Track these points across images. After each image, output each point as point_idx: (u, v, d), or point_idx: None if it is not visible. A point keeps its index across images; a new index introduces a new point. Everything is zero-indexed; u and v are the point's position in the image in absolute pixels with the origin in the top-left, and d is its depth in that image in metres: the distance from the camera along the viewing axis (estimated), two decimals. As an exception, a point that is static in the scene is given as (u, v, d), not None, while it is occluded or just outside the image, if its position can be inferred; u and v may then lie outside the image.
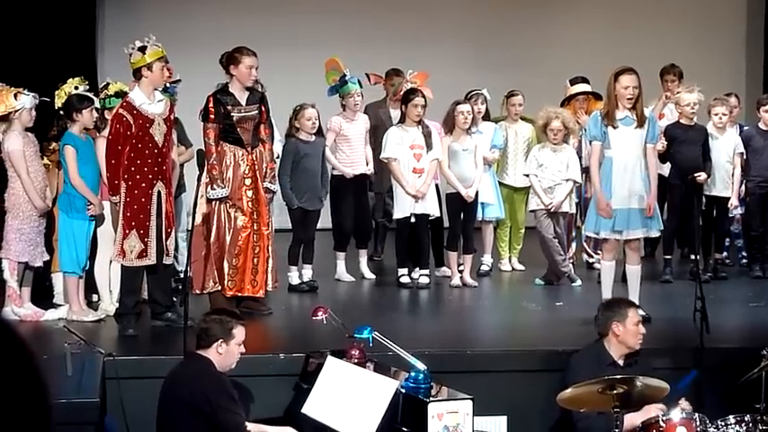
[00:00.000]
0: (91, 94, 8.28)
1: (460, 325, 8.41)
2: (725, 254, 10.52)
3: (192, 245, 7.48)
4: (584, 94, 10.46)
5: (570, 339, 7.54)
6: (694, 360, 6.98)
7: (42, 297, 8.43)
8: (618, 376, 5.79)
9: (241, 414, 5.75)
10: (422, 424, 5.60)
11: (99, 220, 8.18)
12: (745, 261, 10.56)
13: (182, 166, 9.36)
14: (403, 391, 5.77)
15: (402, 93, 9.90)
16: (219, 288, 8.18)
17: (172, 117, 7.91)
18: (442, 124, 9.71)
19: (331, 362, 6.26)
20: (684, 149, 9.71)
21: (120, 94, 8.22)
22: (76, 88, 8.21)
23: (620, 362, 6.36)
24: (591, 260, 10.25)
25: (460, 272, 9.68)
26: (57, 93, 8.24)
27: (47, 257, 8.24)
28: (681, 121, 9.86)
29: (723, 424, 5.77)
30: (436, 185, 9.81)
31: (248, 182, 8.19)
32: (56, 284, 8.54)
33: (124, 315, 7.65)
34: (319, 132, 9.52)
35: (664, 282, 9.74)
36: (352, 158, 9.86)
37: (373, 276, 10.05)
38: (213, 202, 8.13)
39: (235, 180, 8.16)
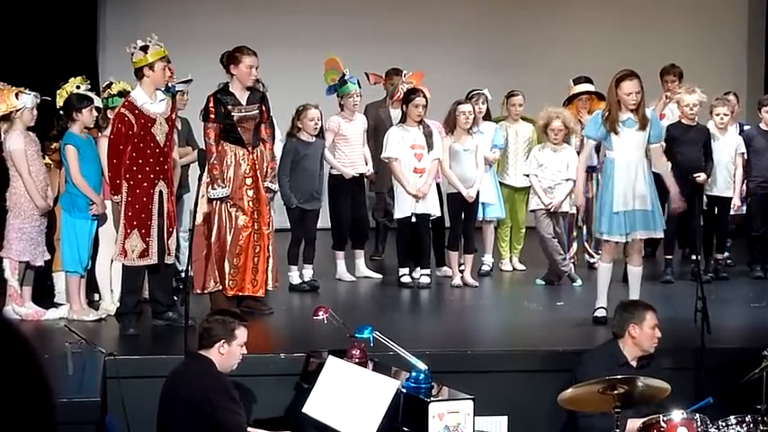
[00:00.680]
0: (92, 94, 8.28)
1: (461, 325, 8.41)
2: (726, 254, 10.51)
3: (192, 244, 7.48)
4: (586, 93, 10.45)
5: (571, 339, 7.55)
6: (695, 360, 6.98)
7: (43, 296, 8.43)
8: (619, 376, 5.79)
9: (241, 414, 5.74)
10: (422, 424, 5.59)
11: (101, 219, 8.18)
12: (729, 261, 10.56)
13: (186, 166, 9.38)
14: (404, 390, 5.77)
15: (402, 93, 9.89)
16: (220, 288, 8.18)
17: (173, 117, 7.90)
18: (443, 124, 9.71)
19: (332, 361, 6.26)
20: (685, 150, 9.71)
21: (123, 94, 8.21)
22: (78, 87, 8.21)
23: (634, 363, 6.35)
24: (592, 260, 10.25)
25: (461, 272, 9.68)
26: (58, 92, 8.25)
27: (48, 257, 8.24)
28: (682, 121, 9.85)
29: (724, 424, 5.76)
30: (437, 185, 9.81)
31: (249, 181, 8.19)
32: (57, 284, 8.54)
33: (125, 314, 7.65)
34: (320, 134, 9.52)
35: (665, 282, 9.74)
36: (350, 158, 9.86)
37: (373, 275, 10.05)
38: (214, 202, 8.13)
39: (235, 180, 8.15)
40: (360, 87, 9.93)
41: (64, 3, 12.31)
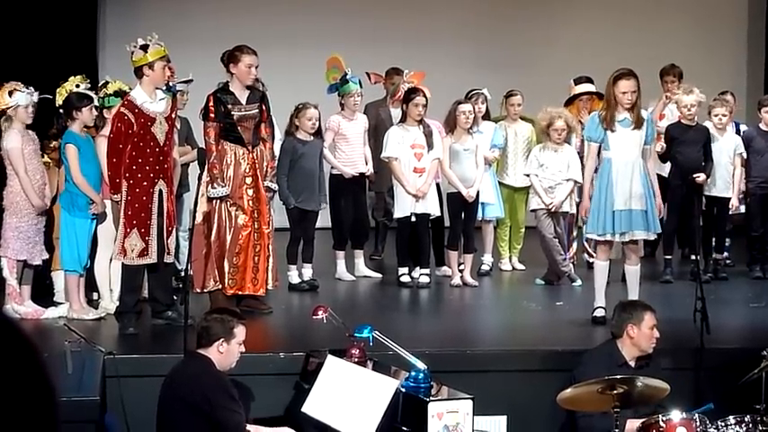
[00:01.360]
0: (91, 93, 8.28)
1: (461, 324, 8.41)
2: (725, 254, 10.52)
3: (192, 243, 7.48)
4: (587, 94, 10.46)
5: (570, 339, 7.56)
6: (694, 360, 6.98)
7: (43, 295, 8.43)
8: (618, 376, 5.79)
9: (241, 413, 5.74)
10: (422, 423, 5.59)
11: (100, 218, 8.19)
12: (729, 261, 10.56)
13: (186, 165, 9.38)
14: (403, 390, 5.77)
15: (402, 92, 9.89)
16: (220, 287, 8.18)
17: (173, 116, 7.91)
18: (443, 124, 9.71)
19: (331, 361, 6.26)
20: (685, 150, 9.71)
21: (119, 93, 8.22)
22: (78, 86, 8.21)
23: (632, 363, 6.35)
24: (591, 260, 10.24)
25: (461, 271, 9.68)
26: (58, 90, 8.25)
27: (46, 256, 8.24)
28: (681, 121, 9.86)
29: (723, 424, 5.76)
30: (437, 185, 9.81)
31: (249, 181, 8.19)
32: (56, 283, 8.54)
33: (125, 313, 7.65)
34: (318, 133, 9.51)
35: (664, 282, 9.74)
36: (351, 158, 9.86)
37: (372, 275, 10.06)
38: (214, 201, 8.13)
39: (235, 179, 8.15)
40: (361, 87, 9.93)
41: (64, 2, 12.31)
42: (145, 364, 6.79)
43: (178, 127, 8.72)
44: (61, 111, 8.18)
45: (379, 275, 10.09)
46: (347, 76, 9.82)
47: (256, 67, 8.26)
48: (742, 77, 14.11)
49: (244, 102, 8.24)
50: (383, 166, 9.86)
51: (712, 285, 9.36)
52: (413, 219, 9.50)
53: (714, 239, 10.22)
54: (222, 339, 5.78)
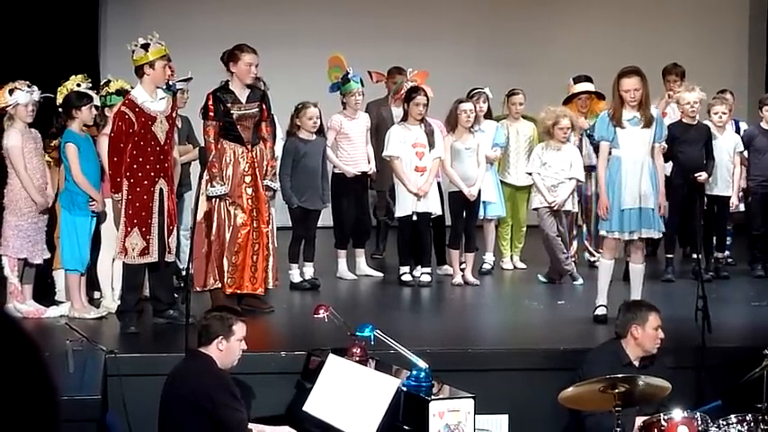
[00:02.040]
0: (92, 92, 8.28)
1: (462, 323, 8.41)
2: (726, 253, 10.52)
3: (193, 242, 7.48)
4: (587, 93, 10.46)
5: (572, 338, 7.55)
6: (696, 359, 6.98)
7: (44, 294, 8.43)
8: (619, 375, 5.79)
9: (243, 411, 5.75)
10: (423, 422, 5.60)
11: (101, 216, 8.19)
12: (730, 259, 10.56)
13: (187, 164, 9.39)
14: (404, 389, 5.77)
15: (404, 91, 9.90)
16: (220, 285, 8.18)
17: (174, 115, 7.91)
18: (445, 123, 9.71)
19: (332, 360, 6.26)
20: (686, 149, 9.70)
21: (121, 92, 8.22)
22: (79, 85, 8.21)
23: (636, 363, 6.34)
24: (593, 259, 10.25)
25: (462, 270, 9.67)
26: (59, 89, 8.25)
27: (47, 255, 8.23)
28: (683, 120, 9.85)
29: (725, 423, 5.75)
30: (438, 184, 9.81)
31: (248, 179, 8.18)
32: (57, 282, 8.54)
33: (126, 312, 7.65)
34: (320, 131, 9.51)
35: (665, 281, 9.74)
36: (353, 157, 9.86)
37: (374, 274, 10.06)
38: (213, 200, 8.13)
39: (234, 178, 8.15)
40: (363, 86, 9.93)
41: (65, 1, 12.31)
42: (146, 363, 6.79)
43: (179, 126, 8.73)
44: (60, 110, 8.18)
45: (381, 274, 10.08)
46: (348, 75, 9.82)
47: (256, 66, 8.25)
48: (743, 76, 14.10)
49: (243, 101, 8.23)
50: (385, 165, 9.86)
51: (714, 284, 9.36)
52: (414, 218, 9.50)
53: (715, 238, 10.21)
54: (221, 337, 5.78)
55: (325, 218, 9.93)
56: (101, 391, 6.25)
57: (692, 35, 13.89)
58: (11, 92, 7.99)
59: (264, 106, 8.36)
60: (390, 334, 6.32)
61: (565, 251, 9.72)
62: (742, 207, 10.41)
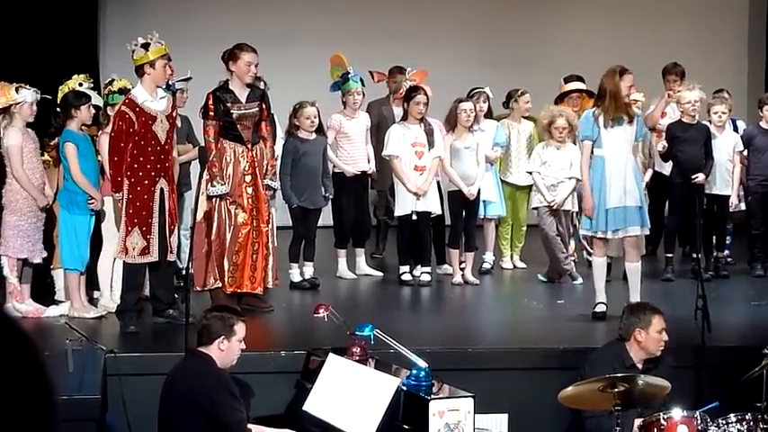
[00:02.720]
0: (93, 92, 8.28)
1: (462, 323, 8.41)
2: (726, 252, 10.52)
3: (193, 242, 7.48)
4: (578, 91, 10.47)
5: (572, 337, 7.56)
6: (695, 358, 6.98)
7: (44, 294, 8.43)
8: (619, 374, 5.78)
9: (242, 411, 5.74)
10: (423, 422, 5.60)
11: (99, 215, 8.19)
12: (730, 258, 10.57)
13: (187, 163, 9.39)
14: (404, 388, 5.77)
15: (404, 91, 9.90)
16: (220, 285, 8.18)
17: (174, 114, 7.91)
18: (444, 122, 9.71)
19: (332, 359, 6.27)
20: (686, 148, 9.70)
21: (124, 91, 8.22)
22: (80, 85, 8.21)
23: (640, 365, 6.33)
24: (591, 258, 10.24)
25: (462, 269, 9.67)
26: (60, 88, 8.25)
27: (45, 254, 8.23)
28: (682, 119, 9.85)
29: (724, 422, 5.75)
30: (438, 183, 9.81)
31: (248, 179, 8.18)
32: (57, 281, 8.54)
33: (126, 312, 7.65)
34: (319, 130, 9.51)
35: (665, 280, 9.74)
36: (353, 156, 9.86)
37: (373, 273, 10.06)
38: (213, 199, 8.13)
39: (235, 177, 8.15)
40: (363, 85, 9.93)
41: (65, 1, 12.31)
42: (146, 363, 6.79)
43: (179, 125, 8.73)
44: (59, 109, 8.18)
45: (381, 274, 10.09)
46: (348, 75, 9.82)
47: (256, 65, 8.25)
48: (743, 76, 14.10)
49: (243, 100, 8.23)
50: (385, 165, 9.86)
51: (713, 283, 9.36)
52: (414, 217, 9.50)
53: (715, 237, 10.22)
54: (222, 337, 5.78)
55: (326, 217, 9.93)
56: (100, 390, 6.24)
57: (691, 34, 13.89)
58: (17, 90, 8.00)
59: (264, 106, 8.36)
60: (390, 333, 6.32)
61: (564, 251, 9.72)
62: (743, 206, 10.41)
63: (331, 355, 6.31)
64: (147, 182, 7.56)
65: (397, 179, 9.60)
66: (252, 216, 8.19)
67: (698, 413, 5.79)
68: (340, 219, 9.95)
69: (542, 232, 9.73)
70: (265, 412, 6.44)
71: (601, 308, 8.01)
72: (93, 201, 8.03)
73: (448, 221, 9.92)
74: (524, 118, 10.50)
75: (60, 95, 8.22)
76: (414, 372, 5.85)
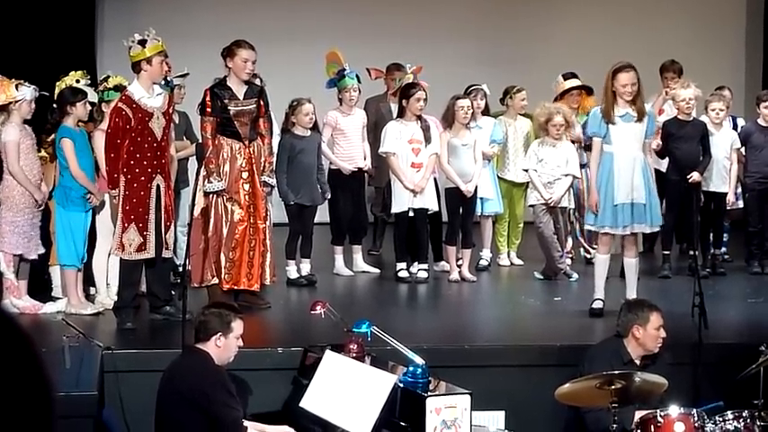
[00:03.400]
0: (89, 89, 8.28)
1: (459, 320, 8.41)
2: (723, 249, 10.53)
3: (190, 238, 7.48)
4: (578, 88, 10.46)
5: (569, 334, 7.56)
6: (692, 355, 6.98)
7: (40, 290, 8.42)
8: (616, 371, 5.78)
9: (239, 409, 5.74)
10: (420, 418, 5.60)
11: (98, 211, 8.18)
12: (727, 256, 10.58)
13: (185, 159, 9.39)
14: (401, 385, 5.77)
15: (401, 87, 9.89)
16: (217, 281, 8.18)
17: (171, 111, 7.90)
18: (442, 119, 9.71)
19: (329, 356, 6.27)
20: (682, 145, 9.70)
21: (119, 88, 8.21)
22: (77, 82, 8.21)
23: (638, 362, 6.33)
24: (588, 255, 10.26)
25: (459, 266, 9.67)
26: (57, 85, 8.24)
27: (42, 250, 8.22)
28: (678, 116, 9.85)
29: (721, 419, 5.75)
30: (435, 180, 9.80)
31: (245, 175, 8.18)
32: (54, 278, 8.54)
33: (122, 308, 7.65)
34: (315, 127, 9.50)
35: (662, 277, 9.74)
36: (349, 153, 9.86)
37: (370, 270, 10.05)
38: (210, 196, 8.12)
39: (232, 173, 8.14)
40: (359, 82, 9.92)
41: (62, -2, 12.31)
42: (143, 359, 6.78)
43: (176, 122, 8.72)
44: (55, 105, 8.18)
45: (378, 271, 10.08)
46: (344, 71, 9.81)
47: (253, 62, 8.24)
48: (740, 73, 14.10)
49: (241, 96, 8.23)
50: (382, 162, 9.86)
51: (710, 281, 9.37)
52: (411, 214, 9.50)
53: (712, 235, 10.22)
54: (220, 334, 5.78)
55: (322, 214, 9.93)
56: (97, 387, 6.24)
57: (689, 32, 13.89)
58: (17, 87, 7.99)
59: (262, 102, 8.35)
60: (387, 330, 6.32)
61: (559, 249, 9.72)
62: (740, 204, 10.41)
63: (328, 352, 6.31)
64: (143, 178, 7.55)
65: (393, 176, 9.60)
66: (249, 213, 8.18)
67: (695, 410, 5.79)
68: (337, 216, 9.95)
69: (538, 230, 9.73)
70: (262, 409, 6.44)
71: (598, 304, 8.02)
72: (91, 196, 8.03)
73: (445, 218, 9.91)
74: (521, 115, 10.49)
75: (57, 92, 8.21)
76: (411, 369, 5.85)
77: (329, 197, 9.64)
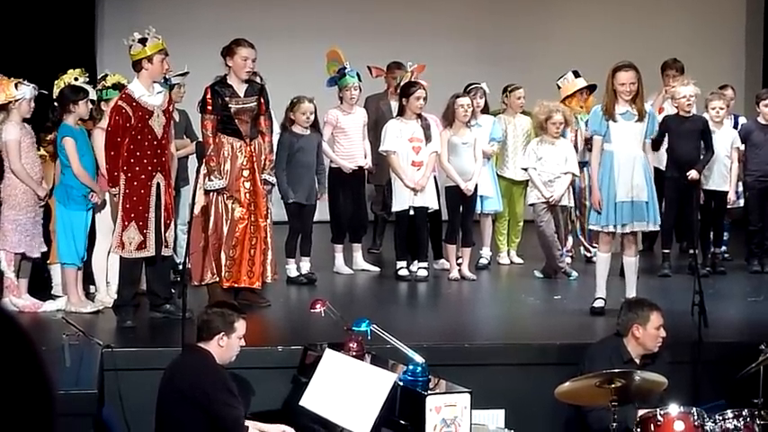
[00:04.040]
0: (89, 86, 8.27)
1: (459, 318, 8.41)
2: (723, 248, 10.52)
3: (190, 236, 7.48)
4: (589, 88, 10.43)
5: (569, 333, 7.56)
6: (692, 354, 6.98)
7: (41, 289, 8.42)
8: (616, 370, 5.78)
9: (239, 408, 5.74)
10: (420, 417, 5.60)
11: (98, 208, 8.18)
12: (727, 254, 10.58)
13: (185, 158, 9.38)
14: (401, 383, 5.77)
15: (401, 85, 9.89)
16: (217, 280, 8.18)
17: (171, 109, 7.90)
18: (442, 118, 9.70)
19: (329, 354, 6.26)
20: (681, 142, 9.68)
21: (118, 86, 8.21)
22: (76, 80, 8.20)
23: (638, 360, 6.32)
24: (589, 254, 10.26)
25: (459, 265, 9.67)
26: (56, 83, 8.23)
27: (44, 249, 8.23)
28: (678, 113, 9.82)
29: (721, 418, 5.75)
30: (434, 178, 9.80)
31: (246, 173, 8.18)
32: (54, 276, 8.54)
33: (122, 306, 7.65)
34: (314, 126, 9.49)
35: (662, 276, 9.74)
36: (350, 152, 9.85)
37: (370, 268, 10.05)
38: (211, 194, 8.12)
39: (232, 172, 8.14)
40: (360, 81, 9.91)
41: (62, -5, 12.31)
42: (143, 358, 6.78)
43: (176, 120, 8.72)
44: (56, 104, 8.18)
45: (378, 269, 10.08)
46: (345, 70, 9.81)
47: (253, 61, 8.24)
48: (740, 71, 14.10)
49: (242, 94, 8.23)
50: (382, 160, 9.86)
51: (710, 279, 9.35)
52: (411, 212, 9.50)
53: (712, 233, 10.21)
54: (223, 333, 5.78)
55: (322, 212, 9.93)
56: (97, 385, 6.24)
57: (689, 30, 13.89)
58: (16, 86, 7.99)
59: (262, 100, 8.35)
60: (387, 329, 6.32)
61: (559, 247, 9.72)
62: (741, 202, 10.40)
63: (328, 351, 6.31)
64: (143, 176, 7.55)
65: (394, 175, 9.59)
66: (249, 211, 8.18)
67: (695, 409, 5.79)
68: (336, 214, 9.95)
69: (538, 229, 9.73)
70: (262, 408, 6.44)
71: (599, 303, 8.02)
72: (93, 194, 8.03)
73: (445, 217, 9.91)
74: (521, 113, 10.49)
75: (56, 90, 8.20)
76: (410, 367, 5.85)
77: (320, 197, 9.60)
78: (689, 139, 9.68)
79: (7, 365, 1.50)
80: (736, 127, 10.40)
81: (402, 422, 5.70)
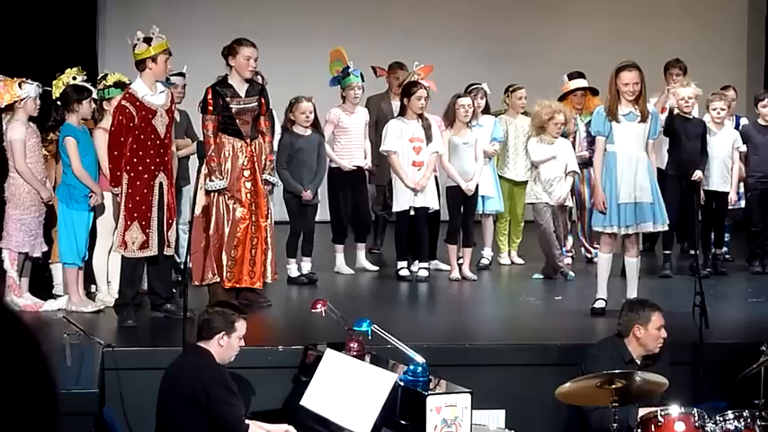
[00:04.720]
0: (88, 85, 8.27)
1: (459, 318, 8.42)
2: (724, 249, 10.52)
3: (191, 236, 7.48)
4: (583, 89, 10.45)
5: (569, 333, 7.56)
6: (693, 355, 6.99)
7: (42, 288, 8.42)
8: (617, 371, 5.78)
9: (240, 407, 5.74)
10: (420, 417, 5.59)
11: (98, 209, 8.18)
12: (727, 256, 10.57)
13: (186, 158, 9.38)
14: (401, 384, 5.77)
15: (402, 85, 9.89)
16: (218, 280, 8.18)
17: (173, 108, 7.90)
18: (443, 118, 9.71)
19: (330, 354, 6.26)
20: (683, 142, 9.68)
21: (119, 85, 8.21)
22: (74, 78, 8.20)
23: (638, 361, 6.32)
24: (589, 255, 10.26)
25: (460, 265, 9.67)
26: (54, 83, 8.23)
27: (46, 248, 8.23)
28: (680, 114, 9.82)
29: (721, 419, 5.74)
30: (435, 178, 9.80)
31: (247, 174, 8.18)
32: (55, 275, 8.54)
33: (123, 306, 7.65)
34: (315, 126, 9.48)
35: (663, 277, 9.74)
36: (349, 151, 9.85)
37: (373, 269, 10.05)
38: (212, 194, 8.12)
39: (233, 172, 8.15)
40: (363, 80, 9.91)
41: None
42: (144, 357, 6.79)
43: (177, 120, 8.72)
44: (59, 103, 8.17)
45: (378, 269, 10.08)
46: (349, 69, 9.81)
47: (255, 60, 8.24)
48: (742, 72, 14.11)
49: (242, 95, 8.23)
50: (384, 160, 9.85)
51: (711, 280, 9.35)
52: (412, 212, 9.50)
53: (713, 234, 10.22)
54: (223, 333, 5.78)
55: (323, 212, 9.93)
56: (98, 384, 6.25)
57: (690, 31, 13.90)
58: (20, 85, 7.99)
59: (263, 100, 8.36)
60: (388, 329, 6.31)
61: (559, 247, 9.72)
62: (742, 203, 10.40)
63: (328, 351, 6.31)
64: (146, 176, 7.55)
65: (394, 175, 9.59)
66: (250, 211, 8.18)
67: (695, 409, 5.79)
68: (337, 214, 9.95)
69: (539, 228, 9.73)
70: (262, 407, 6.43)
71: (600, 303, 8.03)
72: (93, 195, 8.03)
73: (446, 217, 9.90)
74: (522, 113, 10.49)
75: (54, 89, 8.20)
76: (411, 367, 5.84)
77: (312, 198, 9.56)
78: (691, 141, 9.68)
79: (12, 364, 1.50)
80: (737, 128, 10.40)
81: (402, 422, 5.70)
